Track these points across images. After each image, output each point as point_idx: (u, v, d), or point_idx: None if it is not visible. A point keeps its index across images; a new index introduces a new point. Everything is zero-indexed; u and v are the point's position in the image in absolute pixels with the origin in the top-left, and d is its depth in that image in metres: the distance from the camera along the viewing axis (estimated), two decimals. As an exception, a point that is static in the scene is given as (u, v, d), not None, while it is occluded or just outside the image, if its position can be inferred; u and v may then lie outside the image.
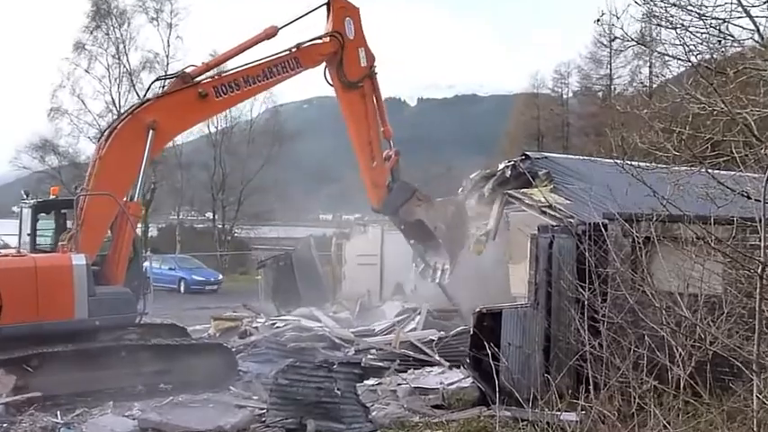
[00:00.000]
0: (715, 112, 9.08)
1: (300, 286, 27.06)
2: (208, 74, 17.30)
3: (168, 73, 19.85)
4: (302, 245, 29.59)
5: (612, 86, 61.35)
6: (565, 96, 70.06)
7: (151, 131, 16.05)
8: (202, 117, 19.01)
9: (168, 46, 55.00)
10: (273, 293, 27.35)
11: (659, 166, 10.25)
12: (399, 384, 15.46)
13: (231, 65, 18.14)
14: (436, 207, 20.29)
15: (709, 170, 9.27)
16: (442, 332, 19.20)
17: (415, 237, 20.49)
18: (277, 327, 21.14)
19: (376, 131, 19.57)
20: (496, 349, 12.80)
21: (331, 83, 18.87)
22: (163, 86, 17.54)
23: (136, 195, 16.70)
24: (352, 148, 19.48)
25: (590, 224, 13.67)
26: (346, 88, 18.86)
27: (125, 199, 16.35)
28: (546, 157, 22.21)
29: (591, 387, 10.43)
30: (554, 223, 15.80)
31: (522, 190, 19.61)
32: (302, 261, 28.02)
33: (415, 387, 15.21)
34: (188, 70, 17.10)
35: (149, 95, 17.57)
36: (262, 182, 58.72)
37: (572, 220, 15.31)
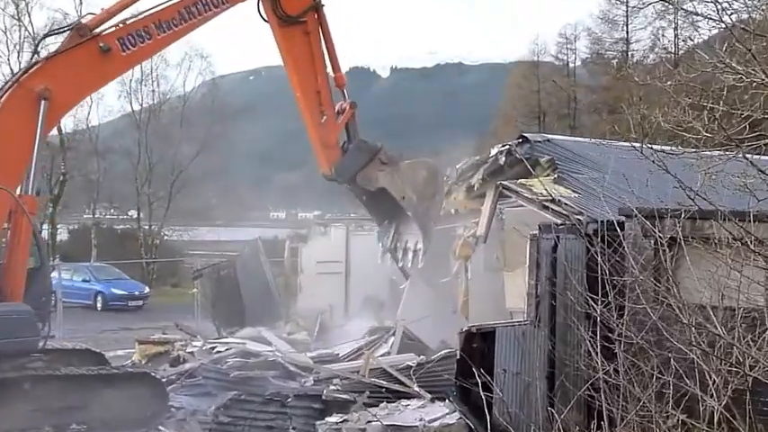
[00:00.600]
0: (754, 84, 9.11)
1: (246, 301, 26.93)
2: (110, 23, 16.76)
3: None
4: (248, 250, 29.46)
5: (630, 53, 61.75)
6: (572, 65, 70.49)
7: (43, 102, 15.58)
8: (106, 78, 18.13)
9: (81, 4, 54.55)
10: (213, 310, 27.25)
11: (687, 150, 10.27)
12: (369, 422, 15.42)
13: (139, 10, 17.63)
14: (403, 172, 20.15)
15: (748, 155, 9.31)
16: (421, 357, 19.19)
17: (380, 210, 20.43)
18: (217, 351, 21.06)
19: (324, 79, 19.33)
20: (488, 377, 12.79)
21: (265, 18, 18.61)
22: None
23: (30, 187, 16.31)
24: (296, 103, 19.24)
25: (603, 222, 13.69)
26: (284, 24, 18.61)
27: (17, 192, 16.01)
28: (549, 140, 22.19)
29: (605, 422, 10.45)
30: (559, 221, 15.82)
31: (520, 180, 19.58)
32: (248, 270, 27.89)
33: (389, 425, 15.18)
34: (85, 20, 16.63)
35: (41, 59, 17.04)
36: (198, 172, 58.42)
37: (581, 218, 15.31)
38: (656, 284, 11.08)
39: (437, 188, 20.79)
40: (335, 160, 19.48)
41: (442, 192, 21.08)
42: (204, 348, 21.51)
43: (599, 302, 11.79)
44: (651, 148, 10.16)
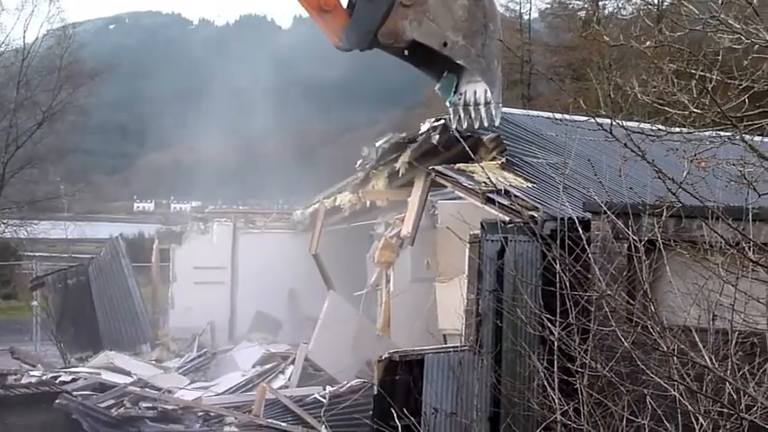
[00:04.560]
0: (756, 47, 9.18)
1: (102, 318, 26.65)
2: None
3: None
4: (105, 252, 29.12)
5: (600, 3, 62.34)
6: (526, 17, 70.90)
7: None
8: None
9: None
10: (58, 330, 26.86)
11: (670, 130, 10.33)
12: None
13: None
14: (434, 9, 19.44)
15: (747, 137, 9.38)
16: (328, 387, 19.22)
17: (432, 62, 19.86)
18: (62, 383, 20.79)
19: None
20: (414, 419, 12.75)
21: None
22: None
23: None
24: None
25: (563, 220, 13.76)
26: None
27: None
28: (495, 114, 22.30)
29: (563, 477, 10.49)
30: (507, 218, 15.87)
31: (458, 165, 19.63)
32: (105, 278, 27.61)
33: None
34: None
35: None
36: (41, 149, 57.50)
37: (535, 214, 15.39)
38: (629, 301, 11.14)
39: (487, 15, 20.00)
40: (343, 24, 18.90)
41: (496, 16, 20.21)
42: (45, 379, 21.20)
43: (557, 324, 11.83)
44: (624, 126, 10.18)
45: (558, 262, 12.47)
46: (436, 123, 21.15)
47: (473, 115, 19.29)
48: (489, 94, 19.12)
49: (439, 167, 19.72)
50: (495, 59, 19.48)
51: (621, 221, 11.67)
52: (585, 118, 11.97)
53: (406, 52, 19.08)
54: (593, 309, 11.96)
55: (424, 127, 21.75)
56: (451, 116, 19.59)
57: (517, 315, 13.69)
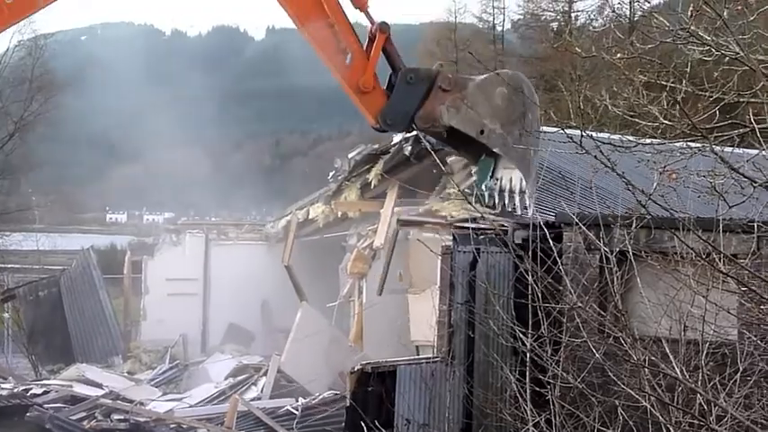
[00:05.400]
0: (726, 59, 9.19)
1: (74, 330, 26.52)
2: None
3: None
4: (77, 264, 28.99)
5: (573, 15, 62.49)
6: (499, 29, 70.94)
7: None
8: None
9: None
10: (30, 342, 26.72)
11: (641, 141, 10.33)
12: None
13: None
14: (473, 97, 19.44)
15: (717, 149, 9.38)
16: (301, 399, 19.19)
17: (469, 146, 19.87)
18: (33, 396, 20.67)
19: (337, 5, 18.85)
20: (386, 431, 12.70)
21: None
22: None
23: None
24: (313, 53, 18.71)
25: (535, 231, 13.74)
26: None
27: None
28: (467, 125, 22.27)
29: (535, 489, 10.45)
30: (479, 229, 15.84)
31: (423, 208, 19.65)
32: (77, 290, 27.48)
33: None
34: None
35: None
36: (13, 160, 57.17)
37: (507, 225, 15.37)
38: (600, 312, 11.13)
39: (526, 103, 19.93)
40: (381, 106, 18.83)
41: (535, 106, 20.26)
42: (16, 392, 21.07)
43: (529, 335, 11.81)
44: (595, 138, 10.18)
45: (529, 273, 12.46)
46: (408, 135, 21.13)
47: (506, 202, 19.29)
48: (524, 183, 19.09)
49: (404, 216, 19.72)
50: (531, 150, 19.47)
51: (593, 233, 11.67)
52: (557, 130, 12.01)
53: (445, 135, 19.09)
54: (564, 320, 11.95)
55: (397, 138, 21.74)
56: (485, 200, 19.61)
57: (489, 326, 13.67)
